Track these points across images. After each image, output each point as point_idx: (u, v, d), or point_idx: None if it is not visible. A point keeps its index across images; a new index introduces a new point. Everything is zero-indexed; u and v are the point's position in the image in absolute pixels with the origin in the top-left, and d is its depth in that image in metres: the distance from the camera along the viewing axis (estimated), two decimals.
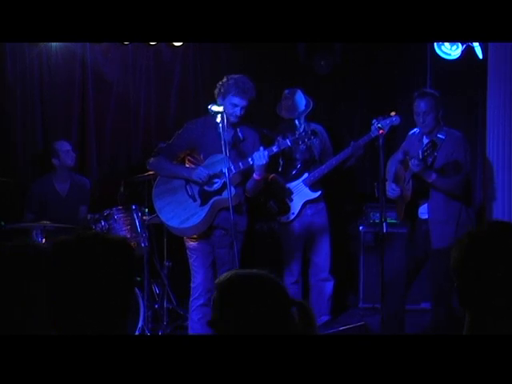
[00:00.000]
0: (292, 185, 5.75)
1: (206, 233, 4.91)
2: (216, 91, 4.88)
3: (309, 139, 4.96)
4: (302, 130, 5.68)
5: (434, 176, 4.91)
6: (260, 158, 4.73)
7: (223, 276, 2.05)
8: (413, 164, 4.86)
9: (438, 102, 5.00)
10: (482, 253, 1.85)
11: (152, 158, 5.01)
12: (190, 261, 4.97)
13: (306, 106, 5.75)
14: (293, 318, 2.01)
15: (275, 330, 1.94)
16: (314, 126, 5.86)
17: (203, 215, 4.81)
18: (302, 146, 5.61)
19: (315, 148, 5.79)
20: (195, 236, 4.93)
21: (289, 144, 4.90)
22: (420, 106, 4.98)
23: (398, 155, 5.27)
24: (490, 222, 2.16)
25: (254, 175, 4.83)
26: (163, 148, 5.03)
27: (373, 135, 5.30)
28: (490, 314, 1.85)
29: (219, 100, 4.83)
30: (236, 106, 4.82)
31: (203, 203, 4.83)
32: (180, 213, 4.86)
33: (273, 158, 5.03)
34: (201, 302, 4.88)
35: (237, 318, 1.96)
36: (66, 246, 1.89)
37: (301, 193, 5.74)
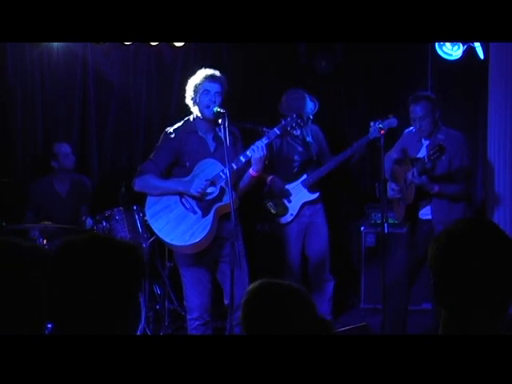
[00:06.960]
0: (290, 186, 5.72)
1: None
2: (188, 94, 4.63)
3: (297, 124, 4.74)
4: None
5: (436, 188, 4.85)
6: (258, 150, 4.51)
7: (255, 283, 2.06)
8: (412, 176, 4.79)
9: (433, 104, 4.94)
10: (458, 250, 1.85)
11: (137, 179, 4.67)
12: (184, 280, 4.72)
13: (314, 106, 5.75)
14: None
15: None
16: (311, 126, 5.85)
17: (209, 226, 4.53)
18: (298, 147, 5.63)
19: (313, 149, 5.78)
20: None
21: (277, 132, 4.63)
22: (415, 111, 4.92)
23: (393, 154, 5.23)
24: (467, 220, 2.16)
25: (251, 171, 4.61)
26: (147, 166, 4.68)
27: (371, 137, 5.28)
28: (465, 311, 1.84)
29: (193, 101, 4.60)
30: (208, 91, 4.55)
31: (205, 214, 4.56)
32: (183, 230, 4.55)
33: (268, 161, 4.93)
34: (200, 322, 4.69)
35: (264, 326, 1.97)
36: (74, 248, 1.88)
37: (299, 194, 5.72)
